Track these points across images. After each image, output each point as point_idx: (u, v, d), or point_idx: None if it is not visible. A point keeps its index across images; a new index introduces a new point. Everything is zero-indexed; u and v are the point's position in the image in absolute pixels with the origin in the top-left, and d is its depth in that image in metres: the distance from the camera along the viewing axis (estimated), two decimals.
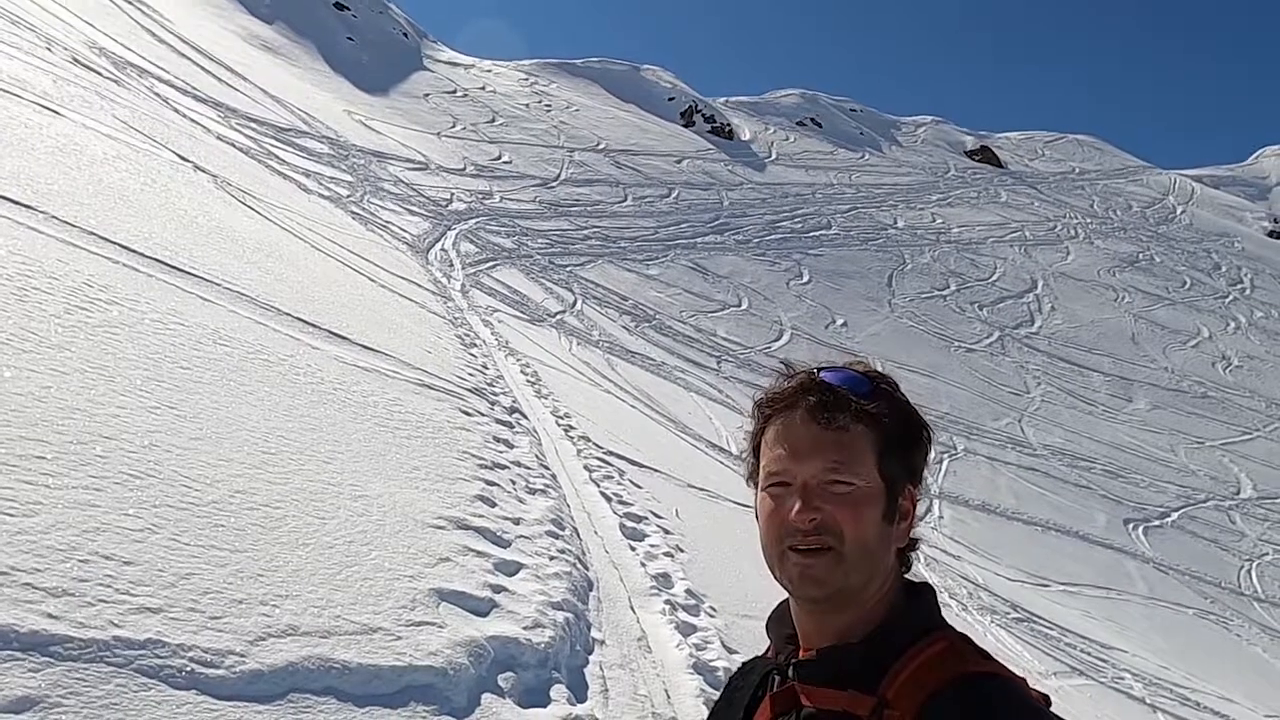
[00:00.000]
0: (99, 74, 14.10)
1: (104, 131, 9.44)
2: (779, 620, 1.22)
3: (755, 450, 1.18)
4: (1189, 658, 13.97)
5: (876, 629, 1.11)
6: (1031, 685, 1.07)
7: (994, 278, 36.10)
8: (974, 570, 13.51)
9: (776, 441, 1.14)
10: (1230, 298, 41.29)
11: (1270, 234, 57.22)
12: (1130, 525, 19.84)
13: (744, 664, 1.27)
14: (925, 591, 1.16)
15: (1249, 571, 19.30)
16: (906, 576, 1.17)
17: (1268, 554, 20.29)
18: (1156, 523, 20.40)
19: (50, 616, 2.13)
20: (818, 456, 1.10)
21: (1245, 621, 16.96)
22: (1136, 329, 34.40)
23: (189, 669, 2.24)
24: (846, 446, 1.10)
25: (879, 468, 1.11)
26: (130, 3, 25.92)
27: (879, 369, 1.18)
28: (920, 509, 1.18)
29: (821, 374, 1.16)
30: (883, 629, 1.11)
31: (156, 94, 16.45)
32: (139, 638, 2.22)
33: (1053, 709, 1.06)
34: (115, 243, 5.56)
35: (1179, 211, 54.57)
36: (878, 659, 1.08)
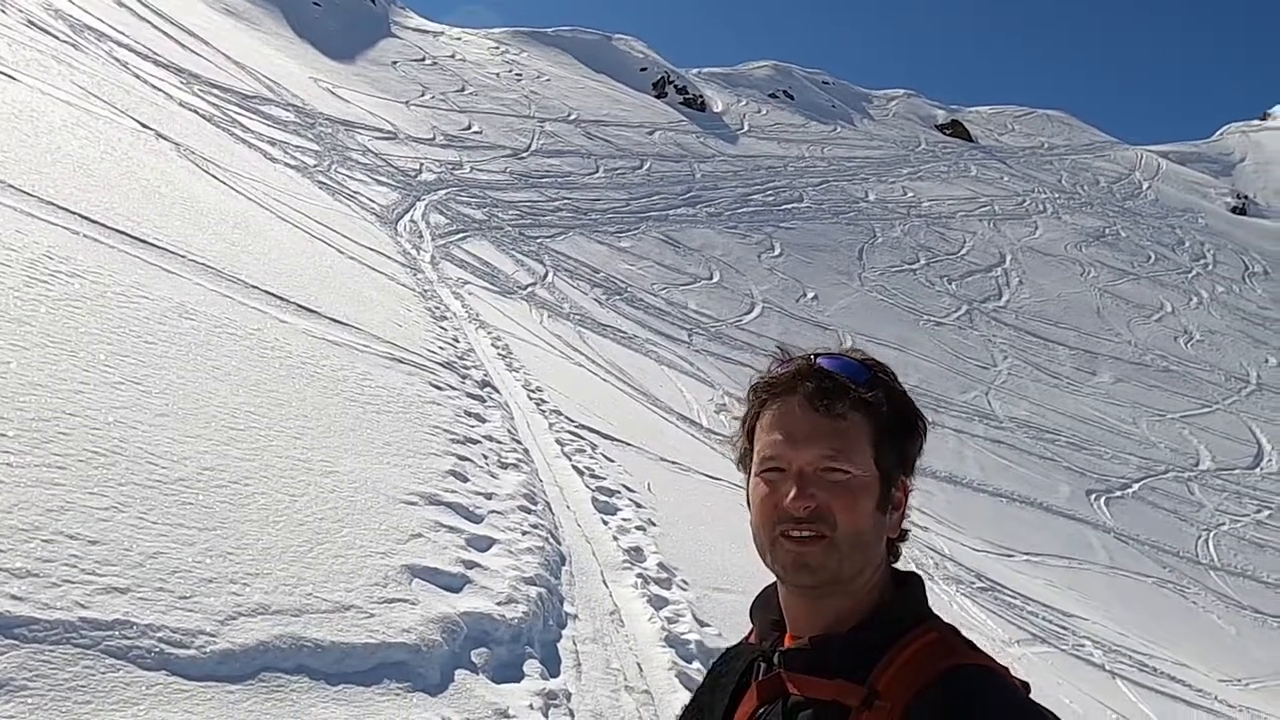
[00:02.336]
0: (56, 38, 13.70)
1: (61, 97, 9.19)
2: (764, 605, 1.22)
3: (749, 434, 1.16)
4: (1147, 625, 14.32)
5: (866, 618, 1.11)
6: (1012, 673, 1.07)
7: (963, 252, 36.35)
8: (941, 541, 13.71)
9: (773, 426, 1.12)
10: (1193, 273, 41.91)
11: (1233, 210, 58.08)
12: (1092, 496, 20.22)
13: (728, 650, 1.26)
14: (914, 581, 1.16)
15: (1206, 541, 19.77)
16: (894, 566, 1.17)
17: (1224, 524, 20.79)
18: (1118, 494, 20.81)
19: (14, 598, 2.09)
20: (815, 444, 1.09)
21: (1202, 589, 17.39)
22: (1102, 303, 34.85)
23: (158, 649, 2.21)
24: (844, 434, 1.09)
25: (875, 457, 1.10)
26: None
27: (861, 351, 1.17)
28: (911, 499, 1.17)
29: (819, 360, 1.14)
30: (872, 618, 1.10)
31: (116, 59, 16.03)
32: (106, 618, 2.19)
33: (1031, 694, 1.07)
34: (76, 213, 5.43)
35: (1145, 187, 55.17)
36: (867, 649, 1.08)
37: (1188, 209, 52.70)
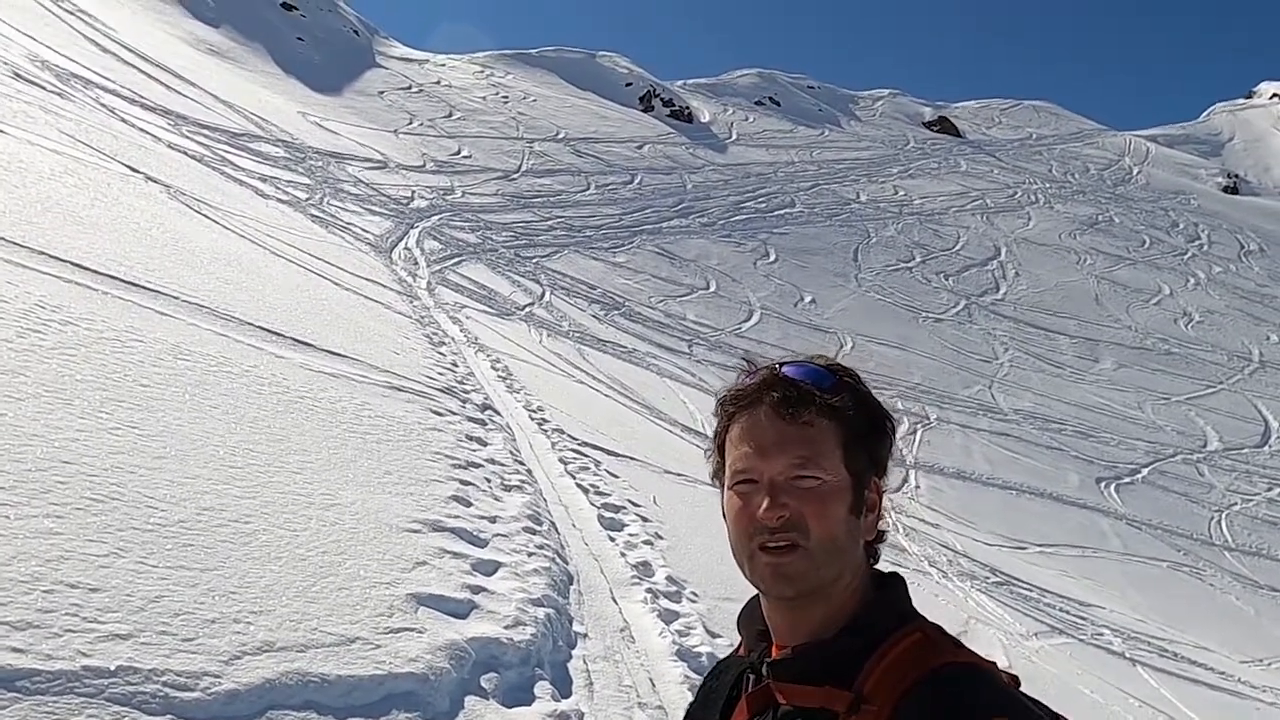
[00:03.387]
0: (42, 88, 13.79)
1: (49, 146, 9.24)
2: (750, 617, 1.22)
3: (720, 448, 1.17)
4: (1165, 610, 14.23)
5: (849, 623, 1.10)
6: (1001, 667, 1.07)
7: (958, 247, 36.36)
8: (952, 537, 13.66)
9: (741, 439, 1.13)
10: (1189, 254, 41.89)
11: (1225, 189, 58.15)
12: (1102, 484, 20.14)
13: (718, 663, 1.26)
14: (896, 582, 1.16)
15: (1219, 522, 19.67)
16: (876, 567, 1.17)
17: (1236, 504, 20.69)
18: (1128, 479, 20.72)
19: (16, 651, 2.09)
20: (783, 452, 1.09)
21: (1217, 571, 17.30)
22: (1099, 290, 34.83)
23: (163, 694, 2.20)
24: (812, 441, 1.09)
25: (845, 461, 1.10)
26: (72, 13, 25.35)
27: (840, 360, 1.17)
28: (886, 500, 1.17)
29: (784, 369, 1.14)
30: (855, 623, 1.10)
31: (103, 105, 16.12)
32: (109, 666, 2.18)
33: (1023, 687, 1.07)
34: (67, 261, 5.45)
35: (1135, 172, 55.23)
36: (852, 653, 1.07)
37: (1179, 191, 52.74)
